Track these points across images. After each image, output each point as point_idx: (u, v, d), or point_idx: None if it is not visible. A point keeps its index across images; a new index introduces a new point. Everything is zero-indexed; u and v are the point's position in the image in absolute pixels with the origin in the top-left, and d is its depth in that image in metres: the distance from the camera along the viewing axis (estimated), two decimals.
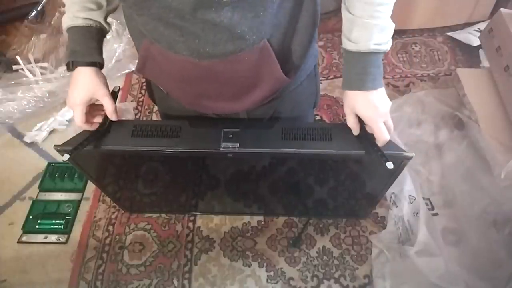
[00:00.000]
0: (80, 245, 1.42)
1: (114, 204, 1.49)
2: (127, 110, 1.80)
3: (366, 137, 0.81)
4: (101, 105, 0.85)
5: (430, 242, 1.18)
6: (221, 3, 0.59)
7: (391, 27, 0.71)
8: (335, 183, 1.18)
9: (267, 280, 1.30)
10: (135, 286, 1.32)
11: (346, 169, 1.08)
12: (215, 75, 0.74)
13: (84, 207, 1.52)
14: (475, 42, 1.76)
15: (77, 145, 0.82)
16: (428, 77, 1.79)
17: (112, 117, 0.86)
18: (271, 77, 0.77)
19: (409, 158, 0.84)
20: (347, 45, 0.73)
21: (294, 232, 1.39)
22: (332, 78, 1.84)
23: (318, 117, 1.70)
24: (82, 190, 1.56)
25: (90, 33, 0.80)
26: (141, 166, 1.17)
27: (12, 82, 1.77)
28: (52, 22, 1.89)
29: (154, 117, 1.78)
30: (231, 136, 0.86)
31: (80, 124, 0.84)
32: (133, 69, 1.92)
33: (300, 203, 1.34)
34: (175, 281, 1.32)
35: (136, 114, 1.80)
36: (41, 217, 1.48)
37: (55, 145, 0.87)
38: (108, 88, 0.85)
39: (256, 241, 1.38)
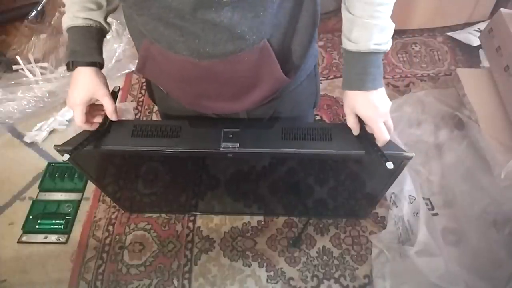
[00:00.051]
0: (80, 245, 1.42)
1: (114, 204, 1.49)
2: (127, 110, 1.80)
3: (366, 137, 0.81)
4: (101, 105, 0.85)
5: (430, 242, 1.18)
6: (221, 3, 0.59)
7: (391, 27, 0.71)
8: (335, 183, 1.18)
9: (267, 280, 1.30)
10: (135, 286, 1.32)
11: (346, 169, 1.08)
12: (215, 75, 0.74)
13: (84, 207, 1.52)
14: (475, 42, 1.76)
15: (77, 145, 0.82)
16: (428, 77, 1.79)
17: (112, 117, 0.86)
18: (271, 77, 0.77)
19: (409, 158, 0.84)
20: (347, 45, 0.73)
21: (294, 232, 1.39)
22: (332, 78, 1.84)
23: (318, 117, 1.70)
24: (82, 190, 1.56)
25: (90, 33, 0.80)
26: (141, 166, 1.17)
27: (12, 82, 1.77)
28: (52, 22, 1.89)
29: (154, 117, 1.78)
30: (231, 136, 0.86)
31: (80, 124, 0.84)
32: (133, 69, 1.92)
33: (300, 203, 1.34)
34: (175, 281, 1.32)
35: (136, 114, 1.80)
36: (41, 217, 1.48)
37: (55, 145, 0.87)
38: (108, 88, 0.85)
39: (256, 241, 1.38)
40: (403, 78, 1.80)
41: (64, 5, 0.81)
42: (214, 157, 1.05)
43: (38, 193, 1.57)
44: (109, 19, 0.85)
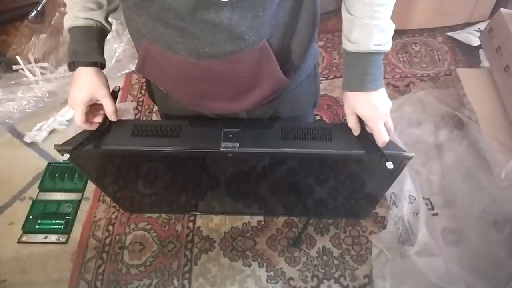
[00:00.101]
0: (80, 245, 1.42)
1: (114, 204, 1.49)
2: (127, 110, 1.80)
3: (366, 137, 0.81)
4: (102, 105, 0.85)
5: (430, 242, 1.18)
6: (221, 3, 0.59)
7: (391, 27, 0.71)
8: (335, 183, 1.18)
9: (267, 280, 1.30)
10: (135, 286, 1.32)
11: (346, 169, 1.09)
12: (214, 75, 0.74)
13: (84, 207, 1.52)
14: (475, 42, 1.76)
15: (77, 145, 0.82)
16: (428, 77, 1.79)
17: (112, 117, 0.86)
18: (270, 77, 0.77)
19: (409, 158, 0.84)
20: (347, 45, 0.73)
21: (294, 232, 1.39)
22: (332, 78, 1.84)
23: (318, 117, 1.70)
24: (82, 190, 1.56)
25: (91, 33, 0.80)
26: (141, 166, 1.17)
27: (12, 82, 1.77)
28: (52, 22, 1.89)
29: (154, 117, 1.78)
30: (231, 136, 0.86)
31: (80, 124, 0.84)
32: (133, 69, 1.92)
33: (300, 203, 1.34)
34: (175, 281, 1.32)
35: (136, 114, 1.80)
36: (41, 217, 1.48)
37: (55, 145, 0.87)
38: (108, 89, 0.85)
39: (256, 241, 1.38)
40: (403, 78, 1.80)
41: (64, 5, 0.81)
42: (214, 157, 1.05)
43: (38, 193, 1.57)
44: (109, 19, 0.85)
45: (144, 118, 1.79)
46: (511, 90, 1.35)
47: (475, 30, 1.85)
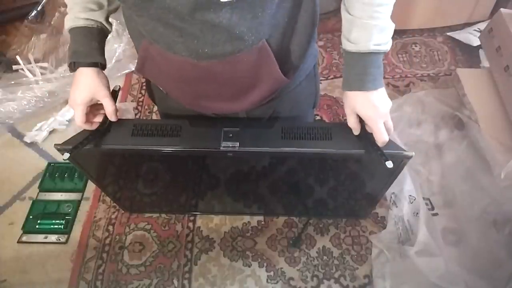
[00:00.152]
0: (80, 245, 1.42)
1: (114, 204, 1.49)
2: (127, 110, 1.80)
3: (366, 136, 0.82)
4: (102, 105, 0.85)
5: (430, 242, 1.18)
6: (220, 4, 0.59)
7: (391, 27, 0.71)
8: (335, 183, 1.18)
9: (267, 280, 1.30)
10: (135, 286, 1.32)
11: (346, 169, 1.09)
12: (214, 75, 0.74)
13: (84, 207, 1.52)
14: (475, 42, 1.76)
15: (78, 144, 0.82)
16: (428, 77, 1.79)
17: (112, 118, 0.86)
18: (270, 78, 0.77)
19: (408, 158, 0.84)
20: (347, 45, 0.73)
21: (294, 232, 1.39)
22: (332, 78, 1.84)
23: (318, 117, 1.70)
24: (82, 190, 1.56)
25: (91, 34, 0.80)
26: (141, 166, 1.17)
27: (12, 82, 1.77)
28: (52, 22, 1.89)
29: (154, 117, 1.78)
30: (231, 135, 0.86)
31: (80, 124, 0.84)
32: (133, 69, 1.92)
33: (300, 203, 1.34)
34: (175, 281, 1.32)
35: (136, 114, 1.80)
36: (41, 217, 1.48)
37: (55, 144, 0.87)
38: (109, 89, 0.85)
39: (256, 241, 1.38)
40: (403, 78, 1.80)
41: (64, 5, 0.81)
42: (214, 157, 1.05)
43: (38, 193, 1.57)
44: (110, 19, 0.85)
45: (144, 118, 1.79)
46: (511, 90, 1.35)
47: (475, 30, 1.85)
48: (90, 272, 1.36)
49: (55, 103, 1.81)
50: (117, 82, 1.90)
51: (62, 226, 1.46)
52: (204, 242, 1.39)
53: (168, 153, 0.88)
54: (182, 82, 0.80)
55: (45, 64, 1.85)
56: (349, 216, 1.38)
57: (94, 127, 0.87)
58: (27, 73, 1.81)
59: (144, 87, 1.88)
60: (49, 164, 1.64)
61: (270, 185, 1.22)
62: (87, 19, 0.79)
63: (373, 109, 0.75)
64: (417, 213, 1.25)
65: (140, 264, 1.36)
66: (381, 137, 0.77)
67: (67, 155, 0.80)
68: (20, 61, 1.82)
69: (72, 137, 0.88)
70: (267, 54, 0.71)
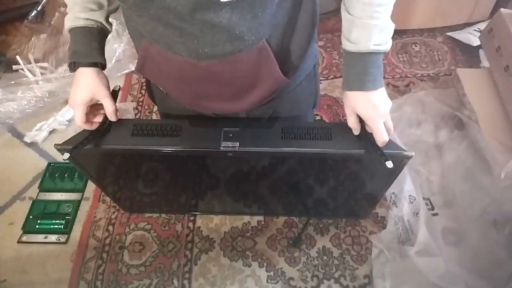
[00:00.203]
0: (80, 245, 1.42)
1: (114, 204, 1.49)
2: (127, 110, 1.80)
3: (366, 136, 0.82)
4: (102, 104, 0.85)
5: (430, 242, 1.18)
6: (220, 4, 0.59)
7: (391, 27, 0.71)
8: (335, 183, 1.18)
9: (267, 280, 1.30)
10: (135, 286, 1.32)
11: (346, 168, 1.09)
12: (214, 75, 0.74)
13: (84, 207, 1.52)
14: (475, 42, 1.76)
15: (78, 144, 0.82)
16: (428, 77, 1.79)
17: (112, 118, 0.86)
18: (270, 78, 0.77)
19: (408, 158, 0.84)
20: (347, 45, 0.73)
21: (294, 232, 1.39)
22: (332, 78, 1.84)
23: (318, 117, 1.70)
24: (82, 190, 1.56)
25: (91, 34, 0.80)
26: (141, 166, 1.17)
27: (12, 82, 1.77)
28: (52, 22, 1.89)
29: (154, 117, 1.78)
30: (231, 135, 0.86)
31: (80, 124, 0.84)
32: (133, 69, 1.92)
33: (300, 203, 1.34)
34: (175, 281, 1.32)
35: (136, 114, 1.80)
36: (41, 217, 1.48)
37: (55, 144, 0.87)
38: (109, 89, 0.85)
39: (256, 241, 1.38)
40: (403, 78, 1.80)
41: (64, 5, 0.81)
42: (214, 157, 1.05)
43: (38, 193, 1.57)
44: (110, 19, 0.85)
45: (144, 118, 1.79)
46: (511, 90, 1.35)
47: (475, 30, 1.85)
48: (90, 272, 1.36)
49: (55, 103, 1.81)
50: (117, 82, 1.90)
51: (62, 226, 1.46)
52: (204, 242, 1.39)
53: (168, 153, 0.88)
54: (182, 82, 0.80)
55: (45, 64, 1.85)
56: (349, 216, 1.38)
57: (94, 127, 0.87)
58: (27, 73, 1.81)
59: (144, 87, 1.88)
60: (49, 164, 1.64)
61: (270, 185, 1.22)
62: (87, 19, 0.79)
63: (373, 109, 0.75)
64: (417, 213, 1.25)
65: (140, 264, 1.36)
66: (381, 137, 0.77)
67: (67, 155, 0.80)
68: (20, 61, 1.82)
69: (72, 137, 0.88)
70: (267, 54, 0.71)
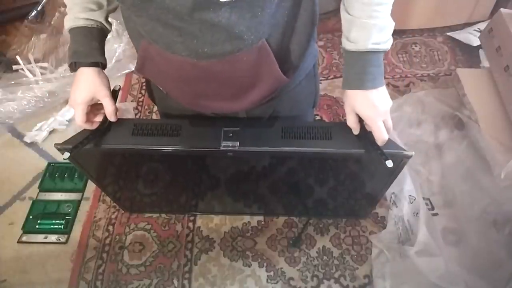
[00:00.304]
0: (80, 245, 1.42)
1: (114, 204, 1.49)
2: (127, 110, 1.80)
3: (366, 135, 0.82)
4: (103, 104, 0.85)
5: (430, 242, 1.17)
6: (219, 3, 0.59)
7: (390, 26, 0.71)
8: (335, 183, 1.18)
9: (267, 280, 1.30)
10: (135, 286, 1.32)
11: (346, 168, 1.09)
12: (213, 75, 0.74)
13: (84, 207, 1.52)
14: (475, 42, 1.76)
15: (78, 143, 0.82)
16: (428, 77, 1.79)
17: (112, 118, 0.86)
18: (269, 77, 0.77)
19: (408, 157, 0.84)
20: (347, 45, 0.73)
21: (294, 232, 1.39)
22: (332, 78, 1.84)
23: (318, 117, 1.70)
24: (82, 190, 1.56)
25: (91, 34, 0.80)
26: (142, 166, 1.17)
27: (12, 82, 1.77)
28: (52, 22, 1.89)
29: (154, 117, 1.77)
30: (231, 135, 0.86)
31: (80, 124, 0.84)
32: (133, 69, 1.92)
33: (300, 203, 1.34)
34: (175, 281, 1.32)
35: (136, 114, 1.80)
36: (41, 217, 1.48)
37: (55, 143, 0.87)
38: (109, 89, 0.85)
39: (256, 241, 1.38)
40: (403, 78, 1.80)
41: (64, 5, 0.81)
42: (214, 156, 1.05)
43: (38, 193, 1.57)
44: (109, 19, 0.85)
45: (144, 118, 1.79)
46: (511, 90, 1.35)
47: (475, 30, 1.85)
48: (90, 272, 1.36)
49: (55, 103, 1.81)
50: (117, 82, 1.90)
51: (62, 226, 1.46)
52: (204, 242, 1.39)
53: (168, 152, 0.88)
54: (182, 81, 0.80)
55: (45, 64, 1.85)
56: (349, 216, 1.38)
57: (94, 126, 0.87)
58: (27, 73, 1.81)
59: (144, 87, 1.88)
60: (49, 164, 1.64)
61: (270, 185, 1.22)
62: (87, 19, 0.79)
63: (372, 108, 0.75)
64: (417, 213, 1.25)
65: (140, 264, 1.36)
66: (381, 136, 0.77)
67: (67, 154, 0.80)
68: (20, 61, 1.82)
69: (72, 136, 0.88)
70: (266, 53, 0.71)
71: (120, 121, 0.89)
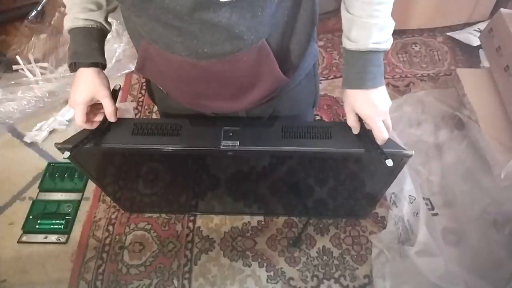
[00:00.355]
0: (80, 245, 1.42)
1: (114, 204, 1.49)
2: (127, 110, 1.80)
3: (365, 135, 0.82)
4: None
5: (430, 242, 1.17)
6: (219, 3, 0.59)
7: (391, 25, 0.71)
8: (335, 182, 1.18)
9: (267, 280, 1.30)
10: (135, 286, 1.32)
11: (346, 168, 1.09)
12: (213, 75, 0.74)
13: (84, 207, 1.52)
14: (475, 42, 1.76)
15: (78, 143, 0.82)
16: (428, 77, 1.79)
17: (111, 118, 0.86)
18: (269, 77, 0.77)
19: (408, 156, 0.84)
20: (347, 44, 0.73)
21: (294, 232, 1.39)
22: (332, 78, 1.84)
23: (318, 117, 1.70)
24: (82, 190, 1.56)
25: (91, 34, 0.80)
26: (142, 166, 1.17)
27: (12, 82, 1.77)
28: (52, 22, 1.89)
29: (154, 117, 1.77)
30: (231, 134, 0.86)
31: (80, 124, 0.84)
32: (133, 69, 1.92)
33: (300, 203, 1.34)
34: (175, 281, 1.32)
35: (136, 114, 1.80)
36: (41, 217, 1.48)
37: (55, 143, 0.87)
38: (109, 89, 0.85)
39: (256, 241, 1.38)
40: (403, 78, 1.80)
41: (64, 5, 0.81)
42: (214, 156, 1.05)
43: (38, 193, 1.57)
44: (109, 19, 0.85)
45: (144, 118, 1.79)
46: (511, 90, 1.35)
47: (475, 30, 1.85)
48: (90, 272, 1.36)
49: (55, 103, 1.81)
50: (117, 82, 1.87)
51: (62, 226, 1.46)
52: (204, 242, 1.39)
53: (168, 152, 0.88)
54: (182, 81, 0.80)
55: (45, 64, 1.85)
56: (349, 216, 1.38)
57: (94, 126, 0.87)
58: (27, 73, 1.81)
59: (144, 87, 1.88)
60: (49, 164, 1.64)
61: (270, 185, 1.22)
62: (87, 19, 0.79)
63: (372, 107, 0.75)
64: (417, 213, 1.25)
65: (140, 264, 1.36)
66: (381, 135, 0.77)
67: (67, 154, 0.80)
68: (20, 61, 1.82)
69: (72, 136, 0.88)
70: (266, 53, 0.71)
71: (120, 120, 0.89)
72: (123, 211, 1.47)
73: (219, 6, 0.59)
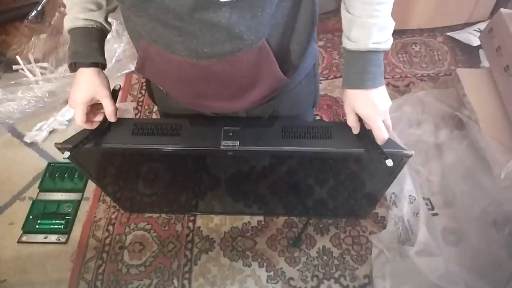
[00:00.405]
0: (80, 245, 1.42)
1: (114, 204, 1.49)
2: (127, 110, 1.80)
3: (365, 135, 0.82)
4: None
5: (430, 242, 1.17)
6: (219, 3, 0.59)
7: (391, 25, 0.71)
8: (335, 182, 1.18)
9: (267, 280, 1.30)
10: (135, 286, 1.32)
11: (346, 168, 1.09)
12: (213, 75, 0.74)
13: (84, 207, 1.52)
14: (475, 42, 1.76)
15: (78, 143, 0.82)
16: (428, 77, 1.79)
17: (111, 118, 0.86)
18: (269, 77, 0.77)
19: (408, 156, 0.84)
20: (347, 44, 0.73)
21: (294, 232, 1.39)
22: (332, 78, 1.84)
23: (318, 117, 1.70)
24: (82, 190, 1.56)
25: (91, 34, 0.80)
26: (142, 166, 1.17)
27: (12, 82, 1.77)
28: (52, 22, 1.89)
29: (154, 117, 1.77)
30: (231, 134, 0.86)
31: (80, 124, 0.84)
32: (133, 69, 1.92)
33: (300, 203, 1.34)
34: (175, 281, 1.32)
35: (136, 114, 1.80)
36: (41, 217, 1.48)
37: (55, 143, 0.87)
38: (109, 89, 0.85)
39: (256, 241, 1.38)
40: (403, 78, 1.80)
41: (64, 5, 0.81)
42: (214, 156, 1.05)
43: (38, 193, 1.57)
44: (109, 19, 0.85)
45: (144, 118, 1.79)
46: (511, 90, 1.35)
47: (475, 30, 1.85)
48: (90, 272, 1.36)
49: (55, 103, 1.81)
50: (117, 82, 1.87)
51: (62, 226, 1.46)
52: (204, 242, 1.39)
53: (168, 152, 0.88)
54: (182, 81, 0.80)
55: (45, 64, 1.85)
56: (349, 216, 1.38)
57: (94, 126, 0.87)
58: (27, 73, 1.81)
59: (144, 87, 1.88)
60: (49, 164, 1.64)
61: (270, 185, 1.22)
62: (87, 19, 0.79)
63: (372, 107, 0.75)
64: (417, 213, 1.25)
65: (140, 264, 1.36)
66: (381, 135, 0.77)
67: (67, 153, 0.80)
68: (20, 61, 1.82)
69: (72, 136, 0.88)
70: (266, 53, 0.71)
71: (120, 120, 0.89)
72: (123, 211, 1.47)
73: (219, 6, 0.59)
